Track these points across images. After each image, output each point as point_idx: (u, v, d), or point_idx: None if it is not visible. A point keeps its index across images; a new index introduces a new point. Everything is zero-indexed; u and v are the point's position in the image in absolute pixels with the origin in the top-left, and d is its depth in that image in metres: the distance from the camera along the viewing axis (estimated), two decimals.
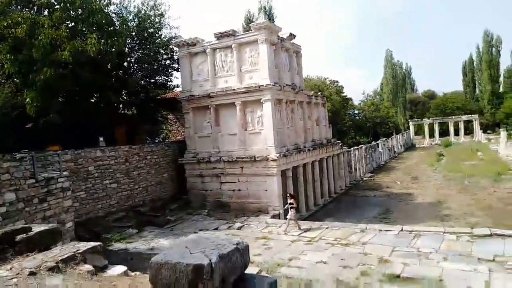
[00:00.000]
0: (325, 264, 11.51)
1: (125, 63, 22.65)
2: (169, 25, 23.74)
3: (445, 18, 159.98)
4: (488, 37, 75.10)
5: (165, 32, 23.82)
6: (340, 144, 30.93)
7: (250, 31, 21.13)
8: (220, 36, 21.29)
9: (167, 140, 28.03)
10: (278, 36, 21.64)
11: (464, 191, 28.07)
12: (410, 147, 67.81)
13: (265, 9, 53.58)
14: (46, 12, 18.62)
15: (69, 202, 12.10)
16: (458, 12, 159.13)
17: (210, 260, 4.88)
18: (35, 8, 18.51)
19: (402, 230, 14.94)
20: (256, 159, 20.35)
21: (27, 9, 18.48)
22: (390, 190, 30.93)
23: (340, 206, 26.20)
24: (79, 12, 18.56)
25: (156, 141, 28.93)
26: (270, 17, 52.23)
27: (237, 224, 17.50)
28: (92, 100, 22.25)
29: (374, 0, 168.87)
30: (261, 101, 20.32)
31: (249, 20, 52.25)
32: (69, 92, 17.64)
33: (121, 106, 23.96)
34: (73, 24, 18.47)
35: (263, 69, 20.33)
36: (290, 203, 16.35)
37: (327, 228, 15.82)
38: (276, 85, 20.44)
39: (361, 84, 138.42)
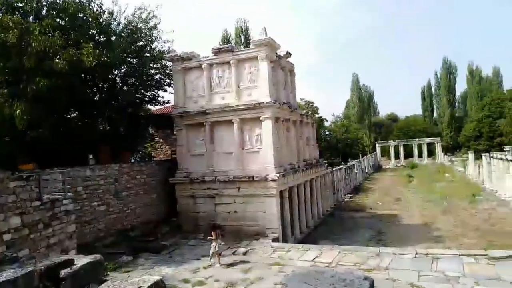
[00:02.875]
0: None
1: (113, 76, 21.27)
2: (161, 38, 22.74)
3: (403, 45, 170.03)
4: (446, 64, 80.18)
5: (157, 46, 22.76)
6: (326, 164, 30.84)
7: (249, 47, 20.70)
8: (218, 51, 20.65)
9: (154, 159, 26.51)
10: (276, 53, 21.36)
11: (446, 212, 28.73)
12: (377, 168, 69.73)
13: (242, 29, 53.70)
14: (31, 19, 17.16)
15: (72, 227, 10.73)
16: (413, 40, 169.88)
17: None
18: (20, 14, 16.95)
19: (417, 253, 14.65)
20: (255, 179, 19.53)
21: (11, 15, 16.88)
22: (374, 211, 31.08)
23: (331, 228, 25.77)
24: (71, 20, 17.28)
25: (136, 160, 27.31)
26: (246, 37, 52.50)
27: (241, 249, 16.45)
28: (74, 115, 20.64)
29: (334, 26, 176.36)
30: (261, 118, 19.71)
31: (226, 40, 52.18)
32: (60, 106, 16.07)
33: (104, 121, 22.38)
34: (63, 32, 17.06)
35: (263, 86, 19.83)
36: (210, 235, 14.91)
37: (339, 252, 15.21)
38: (276, 103, 19.99)
39: (322, 105, 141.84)
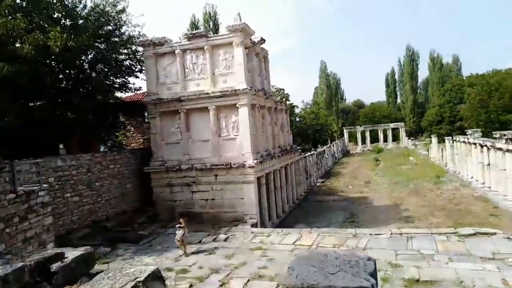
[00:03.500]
0: None
1: (81, 62, 20.28)
2: (130, 22, 21.84)
3: (369, 34, 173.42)
4: (410, 51, 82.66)
5: (127, 30, 21.86)
6: (299, 150, 31.22)
7: (223, 33, 20.35)
8: (191, 36, 20.17)
9: (126, 148, 25.74)
10: (251, 39, 21.14)
11: (413, 194, 30.01)
12: (346, 153, 71.49)
13: (210, 14, 52.61)
14: None
15: (49, 220, 10.26)
16: (378, 29, 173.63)
17: (369, 281, 4.21)
18: None
19: (392, 233, 15.26)
20: (232, 166, 19.49)
21: None
22: (345, 195, 31.93)
23: (306, 212, 26.30)
24: (33, 2, 16.21)
25: (108, 148, 26.47)
26: (215, 23, 51.57)
27: (222, 236, 16.47)
28: (41, 102, 19.58)
29: (302, 14, 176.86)
30: (237, 105, 19.57)
31: (194, 25, 51.03)
32: (25, 93, 15.16)
33: (72, 109, 21.40)
34: (26, 15, 15.98)
35: (238, 72, 19.64)
36: (179, 223, 14.75)
37: (318, 235, 15.56)
38: (252, 90, 19.88)
39: (292, 92, 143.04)
